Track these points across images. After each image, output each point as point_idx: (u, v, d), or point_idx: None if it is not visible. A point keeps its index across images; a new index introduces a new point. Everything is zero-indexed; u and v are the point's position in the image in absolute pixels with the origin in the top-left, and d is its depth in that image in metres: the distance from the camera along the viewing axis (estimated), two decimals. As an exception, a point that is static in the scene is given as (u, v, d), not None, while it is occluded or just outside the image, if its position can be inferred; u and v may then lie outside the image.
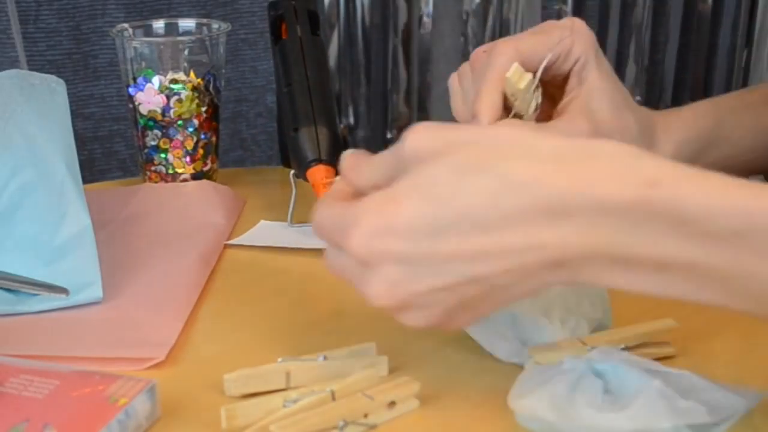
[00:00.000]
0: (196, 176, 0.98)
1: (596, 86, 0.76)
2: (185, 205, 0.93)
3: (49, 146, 0.80)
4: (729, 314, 0.75)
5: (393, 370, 0.67)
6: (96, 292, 0.76)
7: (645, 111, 0.83)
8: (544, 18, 1.67)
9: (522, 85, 0.72)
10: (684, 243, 0.54)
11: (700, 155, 0.83)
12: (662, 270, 0.55)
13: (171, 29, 1.01)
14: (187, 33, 1.00)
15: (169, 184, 0.97)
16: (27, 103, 0.83)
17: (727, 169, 0.59)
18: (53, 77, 0.87)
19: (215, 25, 1.00)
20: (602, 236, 0.55)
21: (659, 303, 0.74)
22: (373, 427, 0.61)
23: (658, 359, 0.65)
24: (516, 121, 0.73)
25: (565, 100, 0.77)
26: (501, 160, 0.56)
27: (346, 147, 1.84)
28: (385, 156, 0.60)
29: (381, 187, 0.59)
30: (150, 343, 0.70)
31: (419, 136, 0.58)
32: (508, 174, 0.55)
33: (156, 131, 0.97)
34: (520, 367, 0.66)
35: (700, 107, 0.86)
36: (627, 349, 0.65)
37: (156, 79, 0.96)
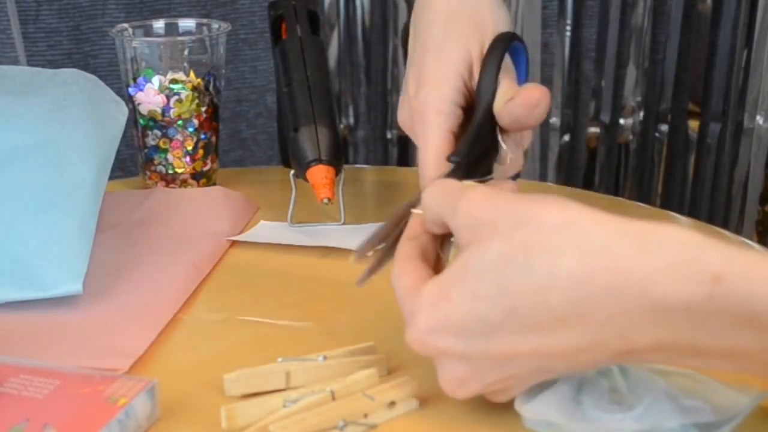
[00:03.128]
0: (196, 176, 0.98)
1: None
2: (191, 211, 0.92)
3: (87, 145, 0.80)
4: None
5: (393, 370, 0.66)
6: (76, 286, 0.74)
7: None
8: (545, 18, 1.67)
9: None
10: (754, 334, 0.51)
11: None
12: (735, 357, 0.52)
13: (171, 29, 1.01)
14: (187, 33, 1.00)
15: (182, 189, 0.97)
16: (87, 106, 0.83)
17: None
18: (122, 103, 0.88)
19: (215, 25, 1.00)
20: (663, 332, 0.52)
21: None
22: (373, 427, 0.61)
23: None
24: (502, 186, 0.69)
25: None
26: (548, 251, 0.53)
27: (346, 147, 1.85)
28: (443, 205, 0.60)
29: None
30: (117, 353, 0.68)
31: (474, 205, 0.57)
32: (556, 269, 0.52)
33: (156, 131, 0.97)
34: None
35: None
36: None
37: (156, 79, 0.96)
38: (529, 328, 0.54)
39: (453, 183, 0.61)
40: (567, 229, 0.53)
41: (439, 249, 0.64)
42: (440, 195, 0.61)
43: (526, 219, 0.54)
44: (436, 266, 0.63)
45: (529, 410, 0.59)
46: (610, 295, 0.51)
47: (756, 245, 0.86)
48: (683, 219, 0.93)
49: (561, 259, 0.52)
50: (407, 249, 0.63)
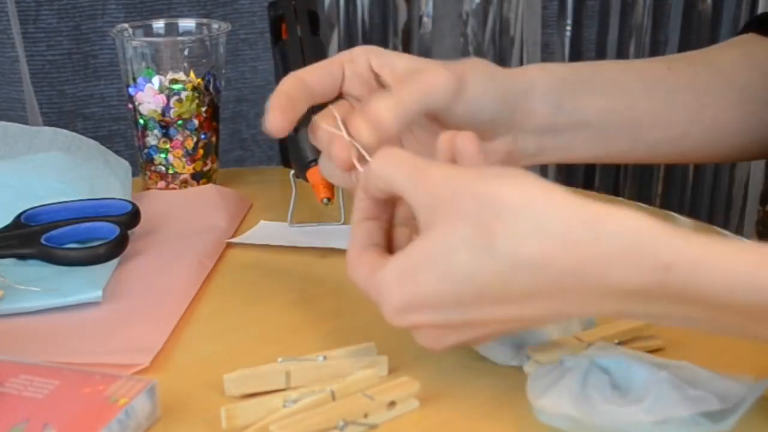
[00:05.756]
0: (196, 176, 0.98)
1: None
2: (187, 209, 0.92)
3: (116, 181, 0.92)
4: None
5: (393, 370, 0.66)
6: (96, 293, 0.76)
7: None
8: (545, 18, 1.67)
9: None
10: (705, 311, 0.55)
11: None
12: (688, 322, 0.57)
13: (171, 29, 1.01)
14: (187, 33, 1.00)
15: (174, 191, 0.97)
16: (110, 169, 0.93)
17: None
18: (126, 162, 0.96)
19: (215, 25, 1.00)
20: (622, 307, 0.57)
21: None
22: (373, 427, 0.61)
23: (648, 352, 0.65)
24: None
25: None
26: (511, 237, 0.56)
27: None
28: (398, 177, 0.62)
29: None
30: (136, 349, 0.69)
31: (434, 184, 0.60)
32: (518, 254, 0.56)
33: (156, 131, 0.97)
34: (518, 369, 0.66)
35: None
36: (621, 343, 0.66)
37: (156, 79, 0.96)
38: (499, 302, 0.58)
39: (408, 155, 0.63)
40: (526, 212, 0.57)
41: (389, 223, 0.66)
42: (395, 166, 0.62)
43: (487, 202, 0.57)
44: (389, 247, 0.66)
45: (545, 404, 0.60)
46: (570, 277, 0.56)
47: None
48: (683, 219, 0.93)
49: (523, 243, 0.56)
50: (358, 237, 0.65)
